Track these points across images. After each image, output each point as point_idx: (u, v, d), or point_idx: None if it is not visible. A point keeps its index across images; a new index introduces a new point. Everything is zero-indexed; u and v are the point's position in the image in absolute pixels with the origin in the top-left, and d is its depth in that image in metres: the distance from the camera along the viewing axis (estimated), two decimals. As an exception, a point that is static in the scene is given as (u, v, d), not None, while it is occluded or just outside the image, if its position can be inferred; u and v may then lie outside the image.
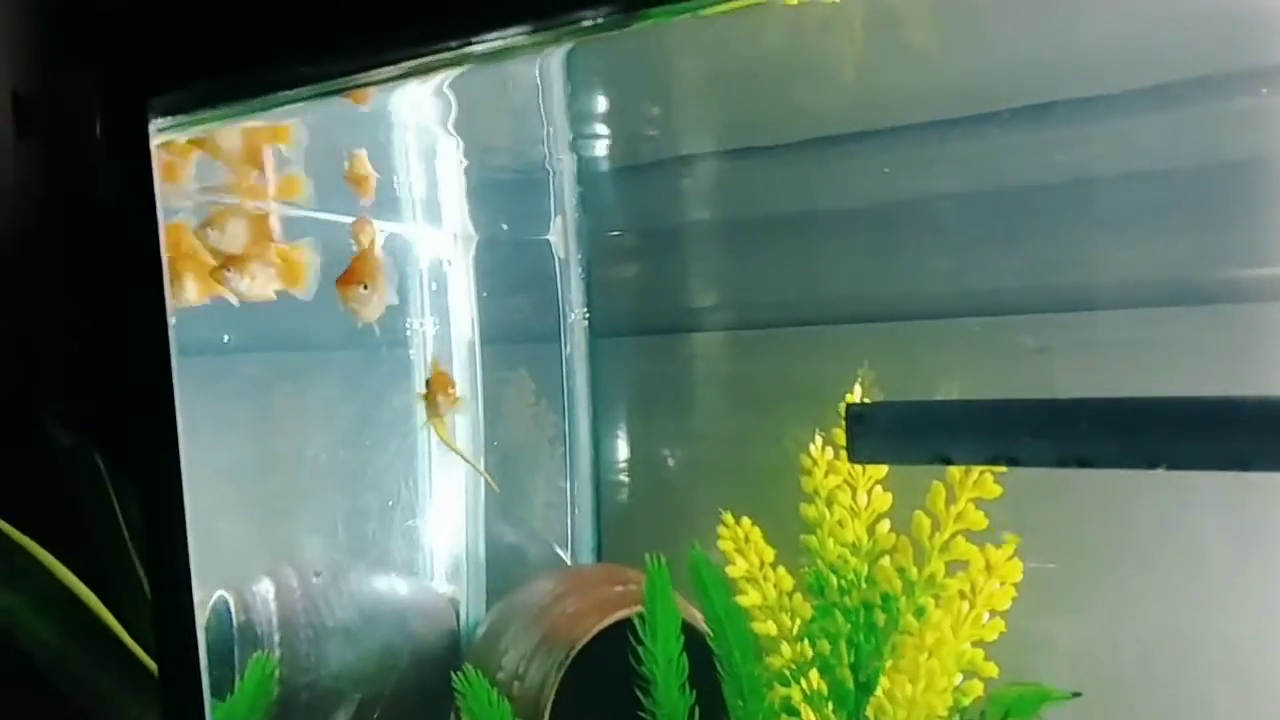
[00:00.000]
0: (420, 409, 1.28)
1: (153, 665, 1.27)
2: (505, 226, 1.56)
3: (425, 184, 1.47)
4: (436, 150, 1.48)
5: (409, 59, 0.76)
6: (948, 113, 1.28)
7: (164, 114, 0.73)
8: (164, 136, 0.75)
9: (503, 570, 1.54)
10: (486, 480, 1.50)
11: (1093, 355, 1.19)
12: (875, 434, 0.80)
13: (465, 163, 1.47)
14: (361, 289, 1.10)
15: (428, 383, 1.27)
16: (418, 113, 1.45)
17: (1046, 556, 1.05)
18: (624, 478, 1.61)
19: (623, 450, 1.62)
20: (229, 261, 1.10)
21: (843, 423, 1.07)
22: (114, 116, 0.73)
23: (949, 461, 0.90)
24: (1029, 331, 1.25)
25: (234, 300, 1.14)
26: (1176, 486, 1.09)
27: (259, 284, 1.13)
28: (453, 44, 0.74)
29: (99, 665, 1.25)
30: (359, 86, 0.83)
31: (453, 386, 1.27)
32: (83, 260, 1.53)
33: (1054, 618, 1.13)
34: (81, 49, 1.46)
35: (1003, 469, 0.98)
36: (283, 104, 0.77)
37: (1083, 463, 0.74)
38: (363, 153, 1.26)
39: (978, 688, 1.00)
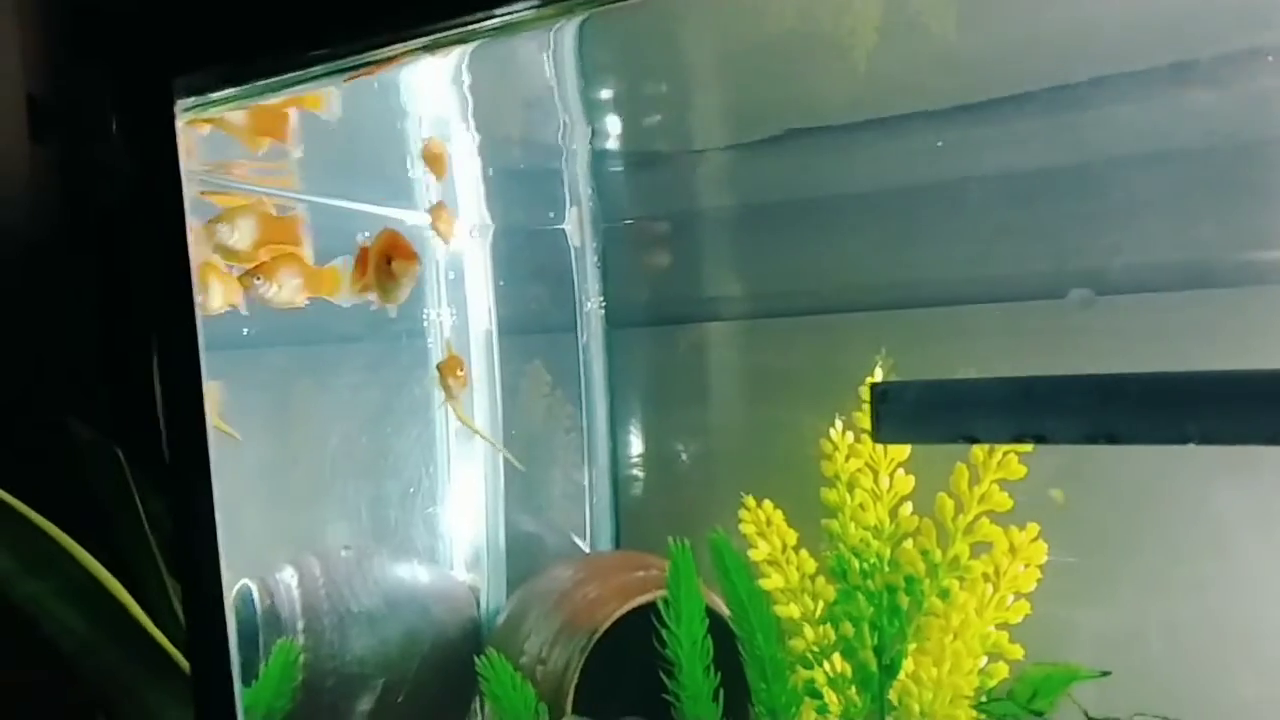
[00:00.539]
0: (439, 394, 1.29)
1: (174, 653, 1.28)
2: (551, 214, 1.56)
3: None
4: (451, 140, 1.48)
5: (423, 34, 0.77)
6: (963, 98, 1.28)
7: (187, 94, 0.73)
8: (186, 117, 0.75)
9: (522, 559, 1.54)
10: (509, 459, 1.50)
11: (1114, 341, 1.19)
12: (900, 413, 0.80)
13: (481, 152, 1.48)
14: (418, 266, 1.11)
15: (439, 366, 1.27)
16: (432, 101, 1.45)
17: (1069, 541, 1.04)
18: (641, 467, 1.62)
19: (640, 439, 1.62)
20: (258, 269, 1.11)
21: (862, 407, 1.07)
22: (138, 97, 0.74)
23: (975, 440, 0.89)
24: (1046, 318, 1.24)
25: (243, 310, 1.14)
26: (1202, 468, 1.08)
27: (286, 292, 1.13)
28: (468, 17, 0.75)
29: (123, 653, 1.26)
30: (376, 63, 0.84)
31: (463, 369, 1.27)
32: (99, 261, 1.55)
33: (1078, 602, 1.12)
34: (96, 49, 1.47)
35: (1028, 448, 0.97)
36: (301, 82, 0.77)
37: (1112, 439, 0.73)
38: (434, 136, 1.26)
39: (1003, 670, 1.00)
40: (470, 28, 0.78)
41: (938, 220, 1.33)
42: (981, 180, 1.30)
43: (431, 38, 0.78)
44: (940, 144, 1.32)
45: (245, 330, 1.31)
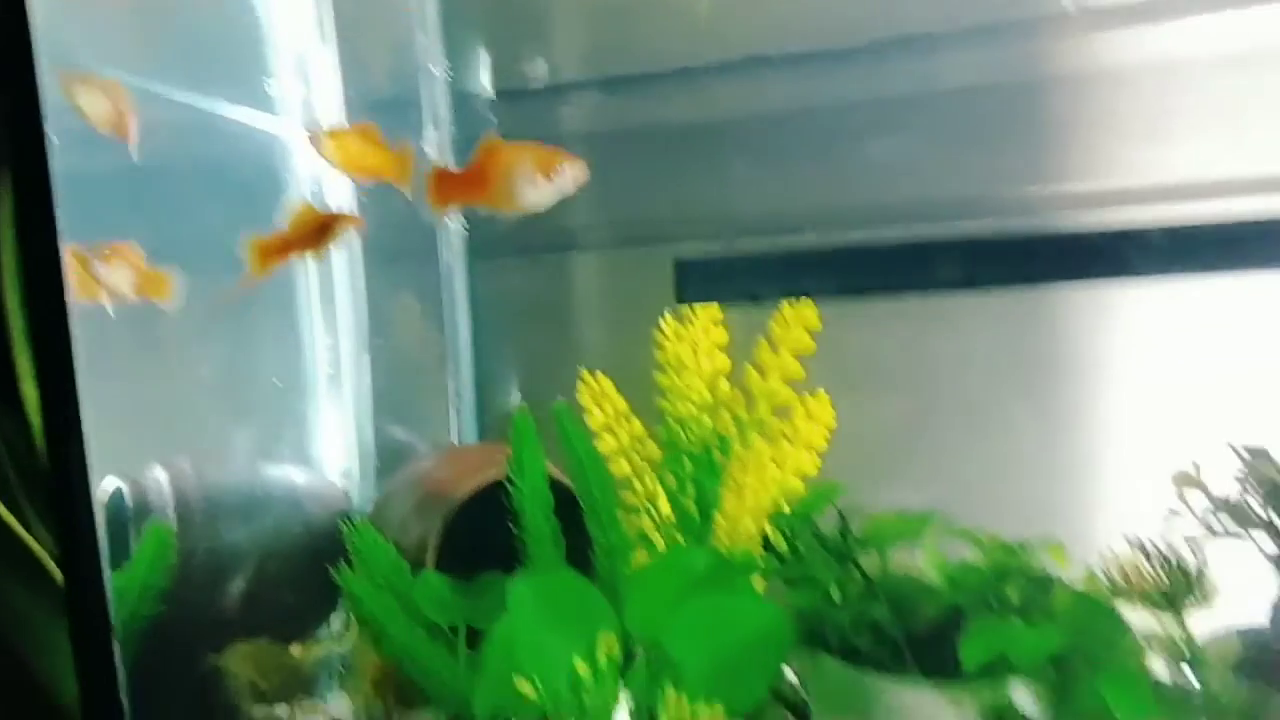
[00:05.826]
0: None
1: (44, 558, 1.32)
2: (411, 135, 1.60)
3: (303, 89, 1.53)
4: (311, 58, 1.53)
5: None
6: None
7: None
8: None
9: (393, 466, 1.64)
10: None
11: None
12: (698, 279, 0.96)
13: (341, 71, 1.54)
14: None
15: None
16: (293, 15, 1.50)
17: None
18: (501, 378, 1.73)
19: (500, 353, 1.73)
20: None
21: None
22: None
23: (756, 299, 1.07)
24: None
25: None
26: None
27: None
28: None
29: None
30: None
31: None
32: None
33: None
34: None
35: (817, 326, 1.15)
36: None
37: (860, 292, 0.92)
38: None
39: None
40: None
41: (753, 157, 1.49)
42: (772, 117, 1.44)
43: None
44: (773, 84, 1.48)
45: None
